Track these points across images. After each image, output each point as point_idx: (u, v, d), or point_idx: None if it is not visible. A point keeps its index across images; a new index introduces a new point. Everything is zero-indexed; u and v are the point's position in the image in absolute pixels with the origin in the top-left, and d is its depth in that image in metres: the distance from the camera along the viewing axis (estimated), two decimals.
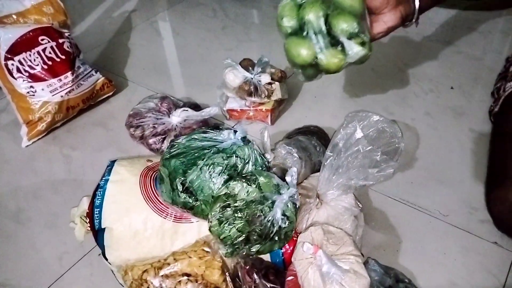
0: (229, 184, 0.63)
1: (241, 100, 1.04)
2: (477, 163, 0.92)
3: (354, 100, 1.13)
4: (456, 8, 1.48)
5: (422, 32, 1.36)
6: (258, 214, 0.61)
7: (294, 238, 0.67)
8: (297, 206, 0.65)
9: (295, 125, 1.00)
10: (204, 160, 0.66)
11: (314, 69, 0.68)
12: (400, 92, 1.14)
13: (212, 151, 0.67)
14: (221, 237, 0.62)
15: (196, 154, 0.67)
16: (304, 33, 0.64)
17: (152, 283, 0.64)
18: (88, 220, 0.69)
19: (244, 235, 0.61)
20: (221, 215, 0.62)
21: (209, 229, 0.63)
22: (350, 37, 0.63)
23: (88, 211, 0.69)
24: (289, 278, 0.63)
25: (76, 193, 0.89)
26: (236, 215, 0.61)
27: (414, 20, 0.70)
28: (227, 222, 0.61)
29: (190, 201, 0.65)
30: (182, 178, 0.65)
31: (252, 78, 1.01)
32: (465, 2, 1.48)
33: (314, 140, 0.86)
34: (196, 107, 1.03)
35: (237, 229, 0.61)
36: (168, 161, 0.67)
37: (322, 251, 0.61)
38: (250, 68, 1.03)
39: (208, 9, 1.61)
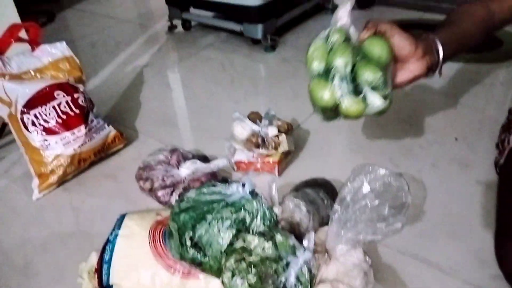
0: (246, 237, 0.63)
1: (249, 152, 1.05)
2: (485, 216, 0.91)
3: (360, 152, 1.14)
4: (458, 61, 1.52)
5: (424, 85, 1.39)
6: (271, 273, 0.60)
7: None
8: (313, 273, 0.64)
9: (302, 176, 1.01)
10: (213, 214, 0.66)
11: (334, 113, 0.69)
12: (405, 143, 1.16)
13: (221, 205, 0.68)
14: None
15: (205, 208, 0.68)
16: (330, 77, 0.65)
17: None
18: (96, 276, 0.69)
19: None
20: (234, 267, 0.62)
21: (221, 281, 0.63)
22: (373, 88, 0.65)
23: (96, 266, 0.69)
24: None
25: (84, 247, 0.89)
26: (250, 269, 0.61)
27: (437, 70, 0.72)
28: (240, 275, 0.61)
29: (199, 256, 0.65)
30: (191, 233, 0.65)
31: (259, 131, 1.04)
32: (466, 56, 1.53)
33: (321, 193, 0.86)
34: (205, 159, 1.05)
35: (249, 284, 0.60)
36: (177, 215, 0.68)
37: None
38: (258, 120, 1.06)
39: (217, 63, 1.67)
